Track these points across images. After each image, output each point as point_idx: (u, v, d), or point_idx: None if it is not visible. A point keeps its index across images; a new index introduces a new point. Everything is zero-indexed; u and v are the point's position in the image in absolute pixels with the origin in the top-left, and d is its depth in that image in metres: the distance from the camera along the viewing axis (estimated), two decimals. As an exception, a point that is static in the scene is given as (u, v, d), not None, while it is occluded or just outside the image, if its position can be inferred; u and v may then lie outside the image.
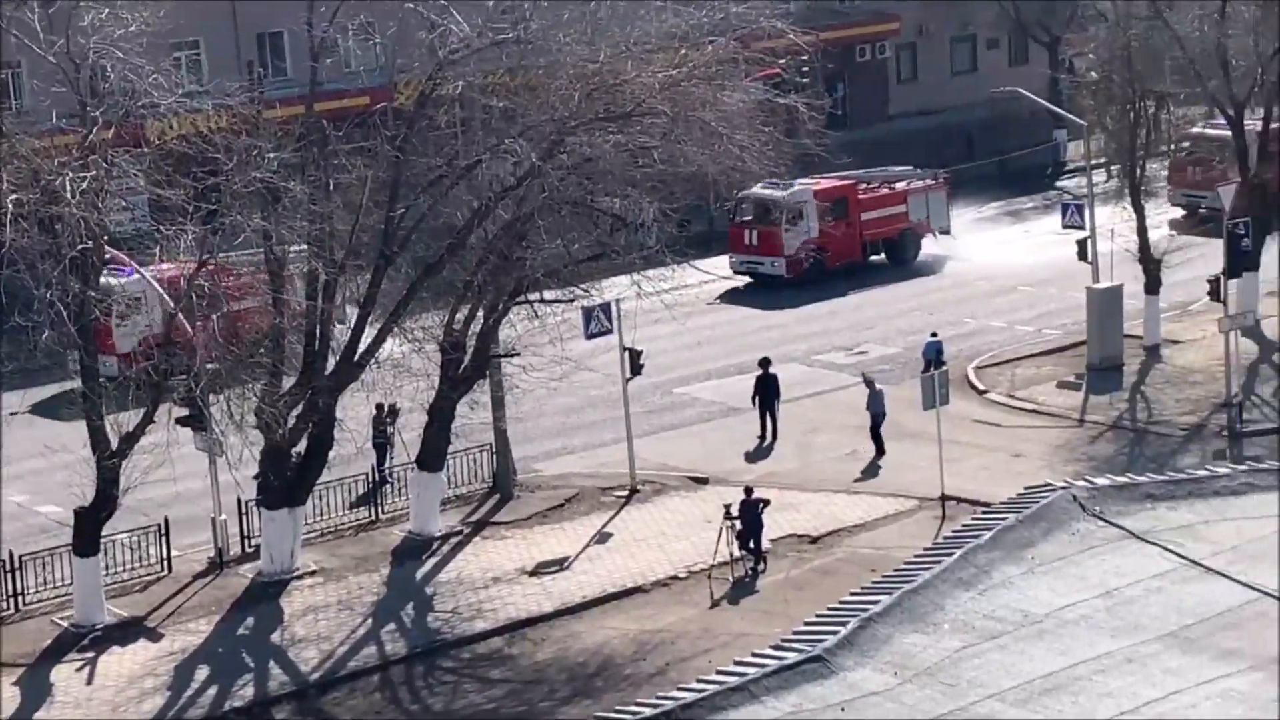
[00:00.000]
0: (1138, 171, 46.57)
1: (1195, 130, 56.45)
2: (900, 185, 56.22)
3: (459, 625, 32.29)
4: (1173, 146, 55.72)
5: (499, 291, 35.24)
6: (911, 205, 56.02)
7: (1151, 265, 46.35)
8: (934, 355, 43.60)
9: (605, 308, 38.00)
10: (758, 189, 50.44)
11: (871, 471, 39.30)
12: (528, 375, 35.76)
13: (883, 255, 55.74)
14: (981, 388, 44.43)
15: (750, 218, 53.48)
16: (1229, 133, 53.12)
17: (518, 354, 35.83)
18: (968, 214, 62.61)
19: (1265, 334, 46.76)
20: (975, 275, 54.27)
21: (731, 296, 53.14)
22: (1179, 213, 57.66)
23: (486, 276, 34.78)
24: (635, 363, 38.72)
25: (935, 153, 66.46)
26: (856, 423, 42.20)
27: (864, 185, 55.55)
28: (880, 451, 39.84)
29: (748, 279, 54.17)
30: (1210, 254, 48.06)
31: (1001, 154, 67.81)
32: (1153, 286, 46.37)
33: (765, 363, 41.75)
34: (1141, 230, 46.53)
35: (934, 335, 44.87)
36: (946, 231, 56.87)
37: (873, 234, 55.22)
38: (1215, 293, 43.37)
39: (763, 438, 41.14)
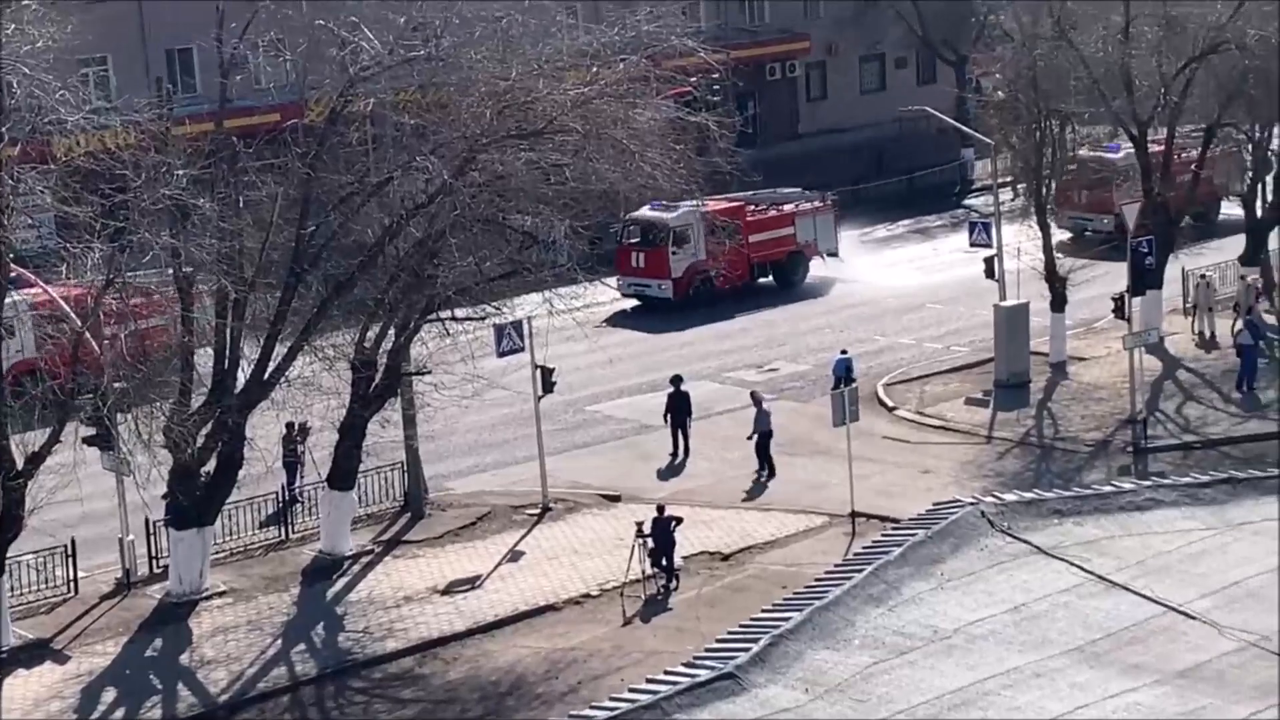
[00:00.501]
0: (1043, 190, 47.04)
1: (1081, 154, 56.93)
2: (788, 207, 55.92)
3: (370, 645, 32.09)
4: (1060, 170, 56.29)
5: (410, 309, 35.09)
6: (800, 227, 55.69)
7: (1057, 283, 46.79)
8: (844, 372, 43.85)
9: (517, 325, 37.92)
10: (644, 211, 50.00)
11: (759, 490, 39.40)
12: (439, 393, 35.60)
13: (770, 278, 55.49)
14: (891, 404, 44.69)
15: (637, 240, 52.91)
16: (1112, 156, 53.92)
17: (429, 371, 35.68)
18: (877, 231, 63.13)
19: (1169, 351, 47.32)
20: (862, 297, 54.09)
21: (619, 319, 52.44)
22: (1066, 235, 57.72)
23: (398, 294, 34.62)
24: (547, 380, 38.67)
25: (845, 170, 66.96)
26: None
27: (752, 207, 54.97)
28: (770, 471, 39.91)
29: (635, 301, 53.53)
30: (1114, 272, 48.60)
31: (910, 172, 68.40)
32: (1058, 304, 46.81)
33: (677, 380, 41.84)
34: (1047, 248, 46.99)
35: (844, 352, 45.11)
36: (834, 254, 56.65)
37: (761, 256, 54.88)
38: (1119, 310, 43.86)
39: (675, 455, 41.22)
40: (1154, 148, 48.71)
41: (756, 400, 40.85)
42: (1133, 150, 49.75)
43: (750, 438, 40.25)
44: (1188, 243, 49.43)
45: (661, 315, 51.98)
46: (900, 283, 55.61)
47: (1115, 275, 47.72)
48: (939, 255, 58.85)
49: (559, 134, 34.38)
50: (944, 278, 56.10)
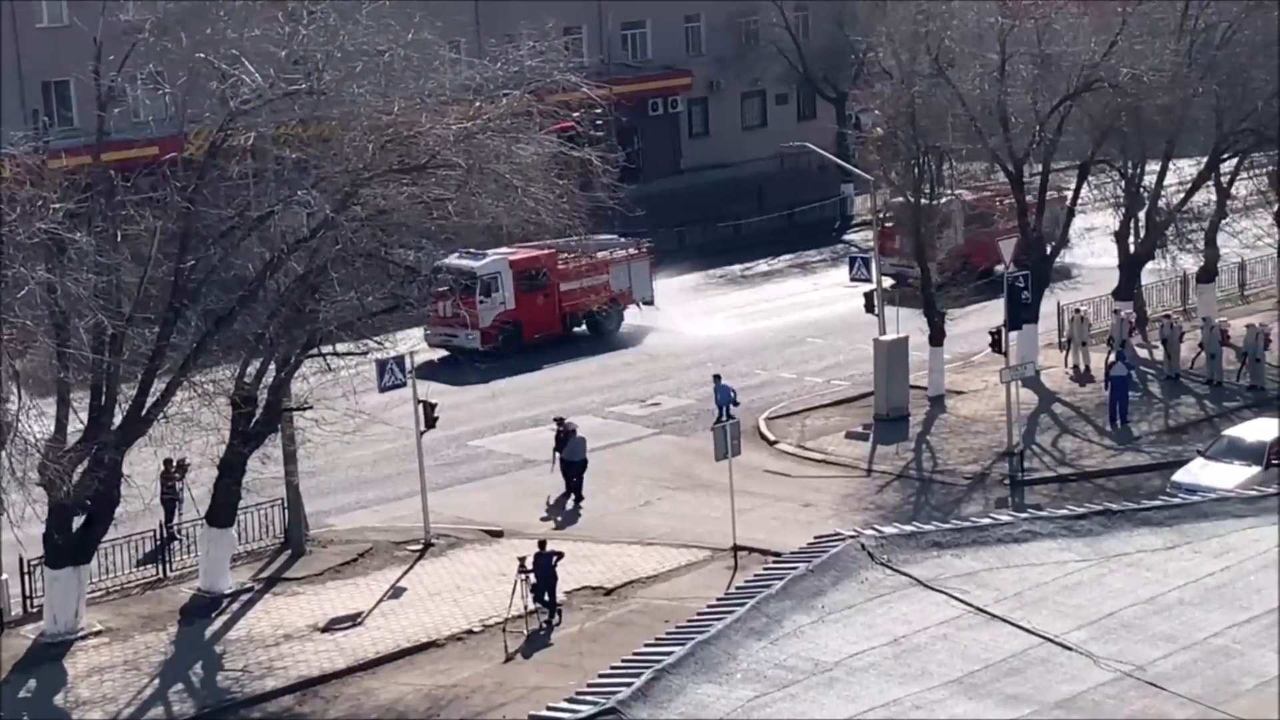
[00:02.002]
0: (921, 226, 47.56)
1: (898, 200, 57.54)
2: (602, 255, 53.96)
3: (249, 684, 31.74)
4: (879, 217, 56.98)
5: (291, 344, 34.84)
6: (614, 276, 54.27)
7: (936, 317, 47.31)
8: (726, 399, 44.07)
9: (399, 360, 37.78)
10: (452, 259, 47.23)
11: (571, 518, 39.50)
12: (321, 429, 35.37)
13: (584, 327, 53.96)
14: (772, 438, 44.93)
15: (446, 288, 48.09)
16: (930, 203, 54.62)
17: (310, 407, 35.44)
18: (758, 265, 63.55)
19: (1044, 384, 47.94)
20: (677, 346, 52.75)
21: (426, 370, 47.07)
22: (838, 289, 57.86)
23: (278, 329, 34.37)
24: (429, 415, 38.53)
25: (726, 206, 67.37)
26: (651, 474, 42.51)
27: (564, 255, 52.74)
28: (578, 497, 40.14)
29: (444, 351, 51.08)
30: (991, 307, 49.22)
31: (791, 207, 68.90)
32: (937, 338, 47.33)
33: (559, 421, 41.75)
34: (925, 283, 47.50)
35: (717, 377, 45.10)
36: (650, 302, 55.26)
37: (573, 305, 53.23)
38: (996, 344, 44.41)
39: (567, 495, 41.03)
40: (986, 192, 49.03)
41: (567, 429, 40.74)
42: (950, 199, 50.65)
43: (553, 469, 40.35)
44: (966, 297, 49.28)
45: (466, 367, 46.72)
46: (720, 330, 54.33)
47: (992, 310, 48.34)
48: (819, 290, 59.33)
49: (442, 168, 34.34)
50: (824, 313, 56.56)
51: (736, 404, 43.56)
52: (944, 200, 52.70)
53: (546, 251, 52.16)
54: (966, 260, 51.19)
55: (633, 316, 55.11)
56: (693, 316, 56.92)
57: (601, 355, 52.55)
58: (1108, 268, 52.56)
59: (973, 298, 49.24)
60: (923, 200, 47.49)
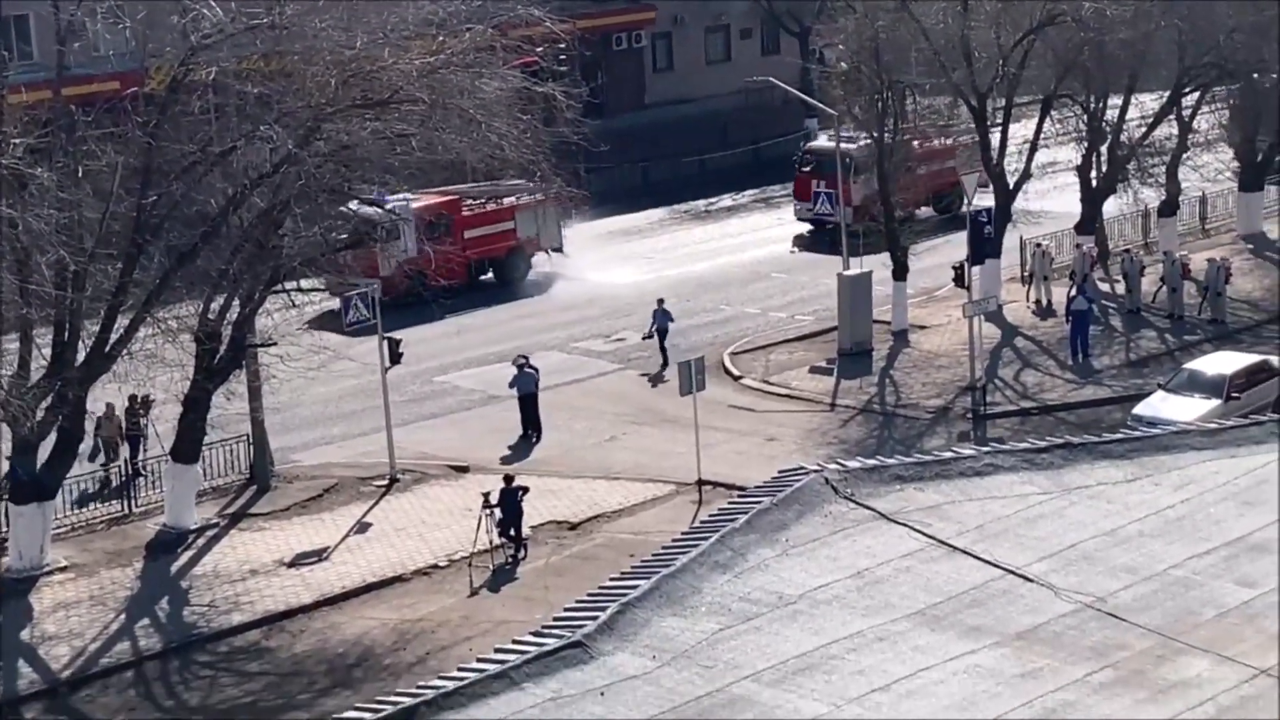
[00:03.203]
0: (884, 161, 47.50)
1: (813, 144, 57.55)
2: (509, 201, 52.37)
3: (215, 619, 31.77)
4: (796, 159, 57.06)
5: (255, 280, 34.70)
6: (521, 222, 52.56)
7: (899, 252, 47.33)
8: (665, 323, 44.36)
9: (364, 296, 37.65)
10: (353, 205, 42.77)
11: (524, 451, 39.60)
12: (285, 365, 35.27)
13: (490, 275, 52.38)
14: (736, 373, 44.98)
15: (346, 236, 44.72)
16: (845, 146, 54.78)
17: (275, 343, 35.32)
18: (722, 200, 63.47)
19: (1007, 318, 48.07)
20: (585, 295, 51.68)
21: (326, 320, 44.63)
22: (791, 229, 57.67)
23: (242, 265, 34.22)
24: (394, 352, 38.44)
25: (690, 141, 67.19)
26: (616, 409, 42.55)
27: (469, 201, 51.23)
28: (538, 432, 40.25)
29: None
30: (954, 241, 49.27)
31: (755, 142, 68.74)
32: (900, 273, 47.37)
33: (520, 363, 41.58)
34: (889, 216, 47.49)
35: (660, 301, 45.23)
36: (559, 249, 53.97)
37: (478, 252, 51.24)
38: (960, 279, 44.46)
39: (526, 432, 40.99)
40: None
41: (520, 365, 40.75)
42: (866, 141, 50.81)
43: (515, 392, 40.42)
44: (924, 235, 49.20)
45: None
46: (631, 279, 53.34)
47: (955, 245, 48.38)
48: (783, 225, 59.27)
49: (405, 103, 34.16)
50: (787, 248, 56.53)
51: (670, 322, 44.10)
52: (857, 146, 52.89)
53: (450, 198, 50.13)
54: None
55: (542, 264, 53.56)
56: (658, 253, 56.84)
57: (521, 302, 51.25)
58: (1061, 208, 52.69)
59: (927, 234, 49.33)
60: (885, 135, 47.36)
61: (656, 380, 43.99)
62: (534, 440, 40.32)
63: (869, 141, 48.98)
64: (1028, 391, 43.02)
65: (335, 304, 44.00)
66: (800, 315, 49.76)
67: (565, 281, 53.10)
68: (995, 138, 49.02)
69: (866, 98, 48.06)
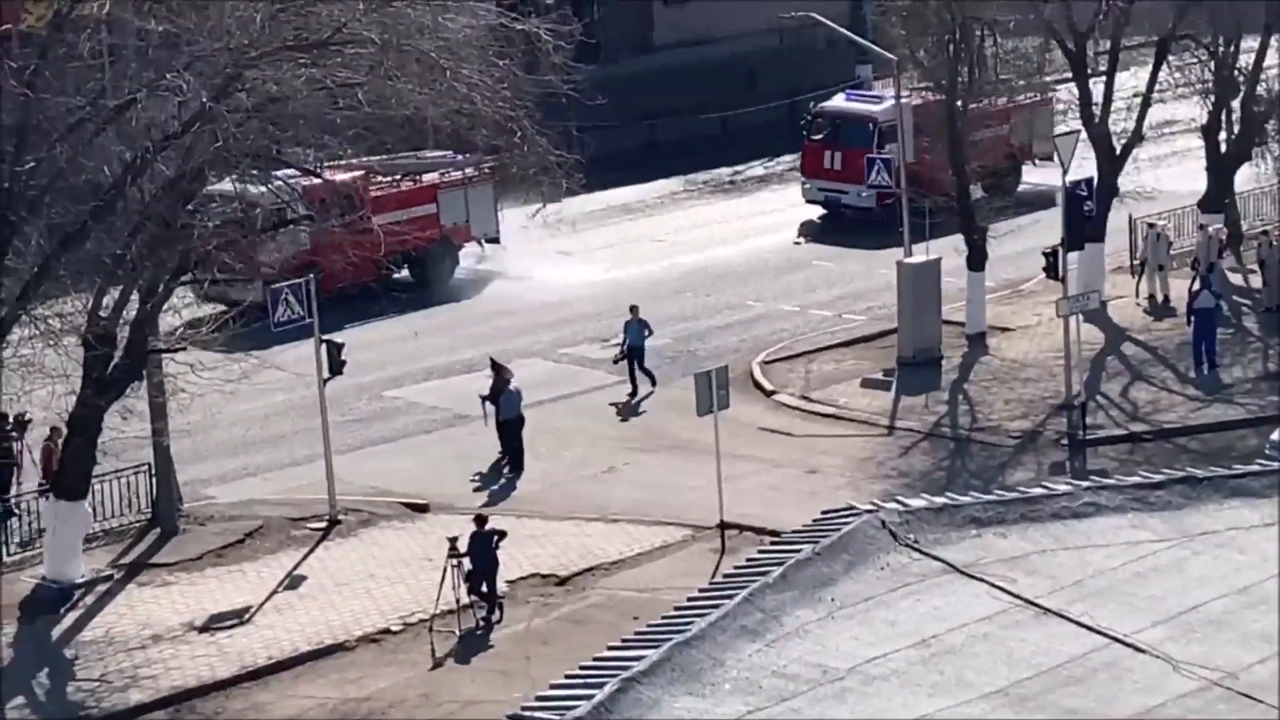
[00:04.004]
0: (957, 118, 47.55)
1: (830, 105, 57.73)
2: (429, 178, 51.74)
3: (108, 696, 31.82)
4: (803, 122, 57.25)
5: (159, 268, 34.75)
6: (445, 205, 51.93)
7: (975, 234, 47.36)
8: (640, 339, 44.09)
9: (297, 289, 37.70)
10: (224, 184, 38.34)
11: (505, 491, 39.66)
12: (197, 375, 35.31)
13: (405, 271, 51.09)
14: (769, 387, 45.03)
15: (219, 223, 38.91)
16: (870, 108, 54.75)
17: (183, 348, 35.39)
18: (751, 169, 63.55)
19: (1112, 319, 48.08)
20: (526, 299, 51.23)
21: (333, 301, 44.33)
22: (815, 211, 58.06)
23: (143, 249, 34.27)
24: (335, 359, 38.49)
25: (710, 92, 67.24)
26: (616, 432, 42.61)
27: (378, 178, 50.08)
28: (518, 466, 40.32)
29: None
30: (1045, 221, 49.33)
31: (793, 94, 68.76)
32: (977, 261, 47.37)
33: (497, 366, 41.63)
34: (962, 189, 47.52)
35: (634, 309, 44.73)
36: (495, 239, 53.44)
37: (393, 244, 44.52)
38: (1052, 269, 44.45)
39: (504, 459, 41.06)
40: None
41: (499, 371, 40.83)
42: (895, 103, 51.06)
43: (486, 422, 40.57)
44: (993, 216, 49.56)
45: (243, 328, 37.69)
46: (704, 252, 53.58)
47: (1047, 226, 48.43)
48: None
49: (349, 45, 34.21)
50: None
51: (645, 337, 44.02)
52: (885, 107, 53.37)
53: (353, 175, 47.28)
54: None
55: (471, 258, 53.21)
56: (667, 233, 56.93)
57: (428, 310, 49.86)
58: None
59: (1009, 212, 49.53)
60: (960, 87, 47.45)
61: (628, 411, 43.74)
62: (509, 474, 40.34)
63: (901, 102, 49.33)
64: (1139, 411, 43.05)
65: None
66: (850, 314, 49.80)
67: (505, 281, 52.43)
68: (1098, 90, 49.03)
69: (934, 39, 48.12)
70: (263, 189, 39.42)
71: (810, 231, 57.07)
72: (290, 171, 39.56)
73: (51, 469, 37.14)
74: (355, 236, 43.07)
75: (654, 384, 44.31)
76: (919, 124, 49.83)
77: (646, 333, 44.55)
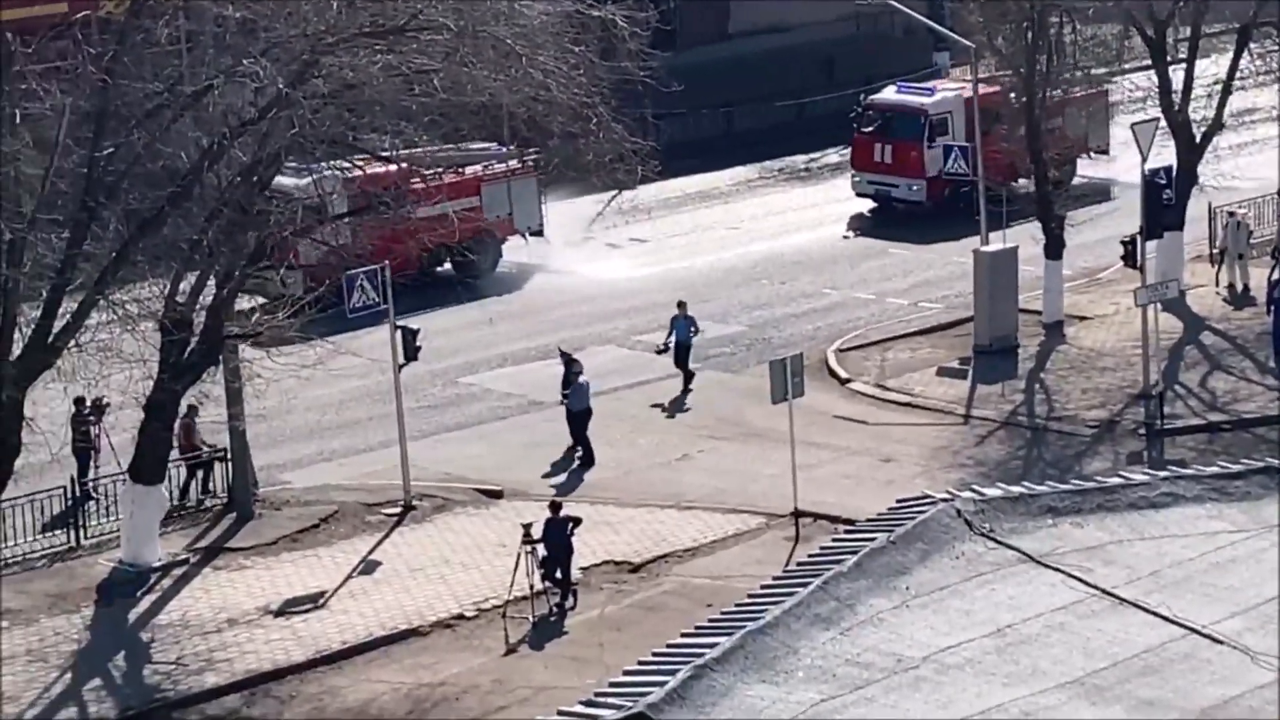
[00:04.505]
0: (1036, 105, 47.35)
1: (880, 98, 57.41)
2: (473, 171, 50.75)
3: (184, 680, 31.97)
4: (853, 114, 56.96)
5: (235, 254, 34.89)
6: (488, 198, 51.48)
7: (1053, 222, 47.15)
8: (687, 335, 43.74)
9: (373, 275, 37.81)
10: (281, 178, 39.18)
11: (573, 482, 39.52)
12: (273, 361, 35.44)
13: (449, 265, 50.31)
14: (844, 376, 44.95)
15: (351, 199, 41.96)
16: (921, 100, 54.47)
17: (260, 333, 35.52)
18: (827, 156, 63.39)
19: (1191, 308, 47.81)
20: (570, 293, 50.88)
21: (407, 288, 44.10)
22: (864, 204, 57.63)
23: (219, 235, 34.41)
24: (411, 345, 38.59)
25: (785, 80, 67.15)
26: (691, 420, 42.59)
27: (420, 171, 46.44)
28: (588, 460, 40.15)
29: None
30: (1124, 209, 49.06)
31: (869, 83, 68.57)
32: (1054, 249, 47.18)
33: (567, 359, 41.54)
34: (1041, 178, 47.32)
35: (681, 304, 44.42)
36: (538, 233, 53.03)
37: (435, 237, 44.25)
38: (1130, 257, 44.22)
39: (574, 449, 41.02)
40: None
41: (569, 363, 40.70)
42: (948, 94, 50.69)
43: (563, 400, 40.40)
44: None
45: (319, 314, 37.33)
46: (623, 274, 52.59)
47: (1125, 214, 48.16)
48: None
49: (425, 31, 34.26)
50: (911, 216, 56.47)
51: (693, 334, 43.65)
52: (936, 99, 53.24)
53: (394, 167, 42.88)
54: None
55: (514, 251, 52.70)
56: (742, 221, 56.86)
57: (463, 306, 48.72)
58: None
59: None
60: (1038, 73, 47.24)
61: (675, 408, 43.52)
62: (579, 467, 40.24)
63: (952, 95, 49.03)
64: (1218, 401, 42.81)
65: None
66: (926, 302, 49.67)
67: (547, 275, 52.12)
68: (1177, 77, 48.75)
69: (1012, 26, 47.90)
70: (289, 182, 39.02)
71: (860, 225, 56.76)
72: (338, 163, 39.32)
73: (188, 445, 37.65)
74: (397, 229, 41.91)
75: (690, 383, 43.89)
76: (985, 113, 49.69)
77: (693, 330, 44.17)
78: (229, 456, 37.93)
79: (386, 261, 38.74)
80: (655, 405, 43.58)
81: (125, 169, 33.54)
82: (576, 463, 40.45)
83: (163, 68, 34.64)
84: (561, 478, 40.06)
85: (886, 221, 56.18)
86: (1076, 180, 56.49)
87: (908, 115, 56.19)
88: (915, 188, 55.23)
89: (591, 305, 49.63)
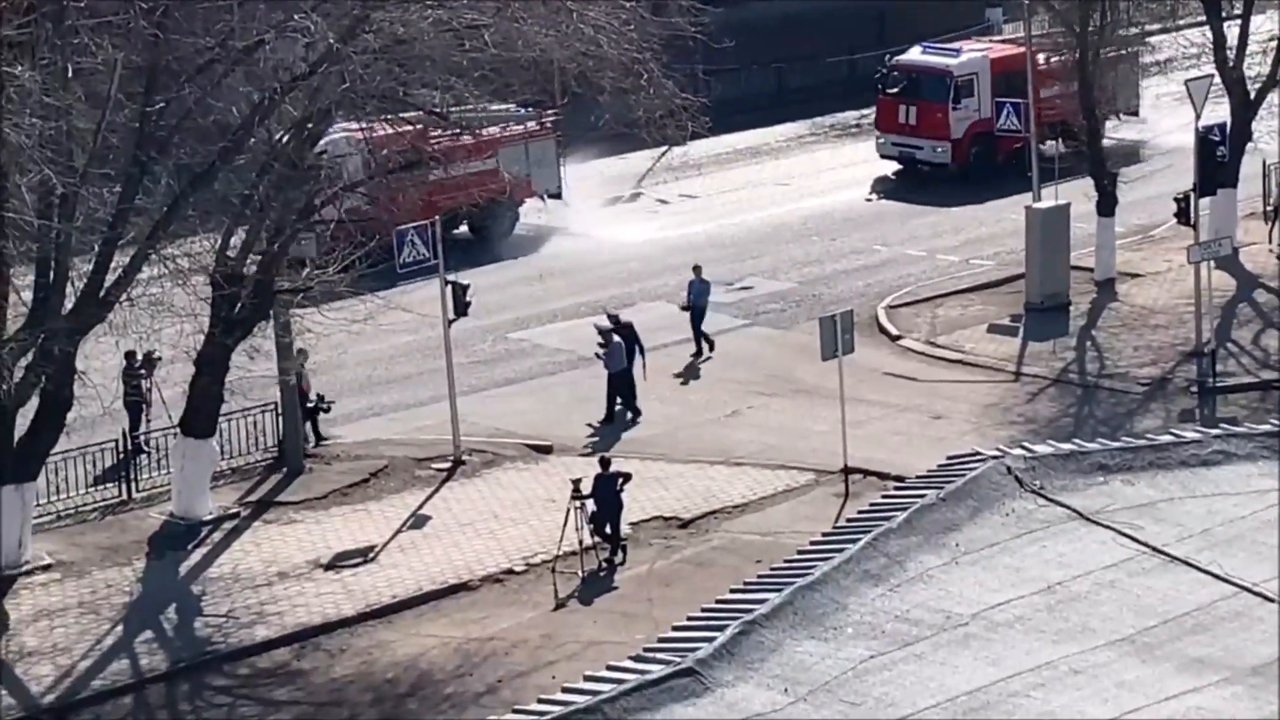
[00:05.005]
0: (1089, 62, 47.12)
1: (905, 59, 57.01)
2: (490, 132, 49.00)
3: (234, 633, 32.11)
4: (878, 75, 56.61)
5: (286, 209, 34.93)
6: (506, 159, 50.27)
7: (1106, 179, 46.95)
8: (702, 299, 43.27)
9: (423, 230, 37.82)
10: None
11: (610, 439, 39.29)
12: (323, 315, 35.49)
13: (465, 228, 50.18)
14: (895, 332, 44.87)
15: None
16: (946, 60, 54.27)
17: (310, 288, 35.57)
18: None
19: (1244, 266, 47.58)
20: (588, 257, 50.16)
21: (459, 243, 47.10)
22: (890, 166, 57.13)
23: (270, 190, 34.44)
24: (461, 300, 38.61)
25: (838, 37, 66.92)
26: (740, 376, 42.56)
27: (438, 132, 44.89)
28: (635, 412, 40.03)
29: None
30: (1177, 167, 48.81)
31: (921, 39, 68.30)
32: (1107, 206, 47.00)
33: (614, 318, 41.43)
34: (1094, 134, 47.11)
35: (696, 268, 44.12)
36: (557, 195, 51.97)
37: (449, 200, 45.86)
38: (1184, 214, 44.01)
39: (624, 408, 40.96)
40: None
41: (611, 327, 40.49)
42: (973, 55, 50.39)
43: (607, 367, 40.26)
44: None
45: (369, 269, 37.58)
46: (644, 236, 52.05)
47: (1178, 171, 47.92)
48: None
49: (475, -14, 34.23)
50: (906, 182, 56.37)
51: (699, 310, 43.15)
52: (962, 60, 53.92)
53: (412, 127, 41.65)
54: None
55: (533, 214, 51.92)
56: (793, 177, 56.73)
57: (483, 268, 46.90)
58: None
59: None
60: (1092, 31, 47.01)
61: (689, 374, 43.28)
62: (630, 417, 40.22)
63: (978, 56, 48.86)
64: (1269, 359, 42.63)
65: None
66: (977, 259, 49.52)
67: (565, 237, 51.36)
68: (1232, 33, 48.45)
69: (1066, -19, 47.67)
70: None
71: (883, 188, 56.36)
72: (348, 125, 38.77)
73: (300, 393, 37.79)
74: (411, 192, 41.23)
75: (711, 348, 43.45)
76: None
77: (708, 293, 43.78)
78: (280, 410, 37.93)
79: (438, 219, 38.70)
80: (676, 375, 42.86)
81: (176, 124, 33.61)
82: (629, 416, 40.37)
83: (214, 22, 34.63)
84: (609, 433, 40.05)
85: (914, 185, 55.83)
86: (1105, 143, 55.67)
87: (933, 76, 55.89)
88: (940, 149, 55.02)
89: (643, 263, 49.58)
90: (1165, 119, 55.14)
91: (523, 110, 50.58)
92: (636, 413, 40.44)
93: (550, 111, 50.31)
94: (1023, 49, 51.52)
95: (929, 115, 55.20)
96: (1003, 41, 58.06)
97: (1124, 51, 54.01)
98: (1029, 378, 42.39)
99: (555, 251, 51.21)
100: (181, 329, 34.66)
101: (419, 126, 41.37)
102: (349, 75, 33.54)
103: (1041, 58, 51.09)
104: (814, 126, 62.46)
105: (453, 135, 44.18)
